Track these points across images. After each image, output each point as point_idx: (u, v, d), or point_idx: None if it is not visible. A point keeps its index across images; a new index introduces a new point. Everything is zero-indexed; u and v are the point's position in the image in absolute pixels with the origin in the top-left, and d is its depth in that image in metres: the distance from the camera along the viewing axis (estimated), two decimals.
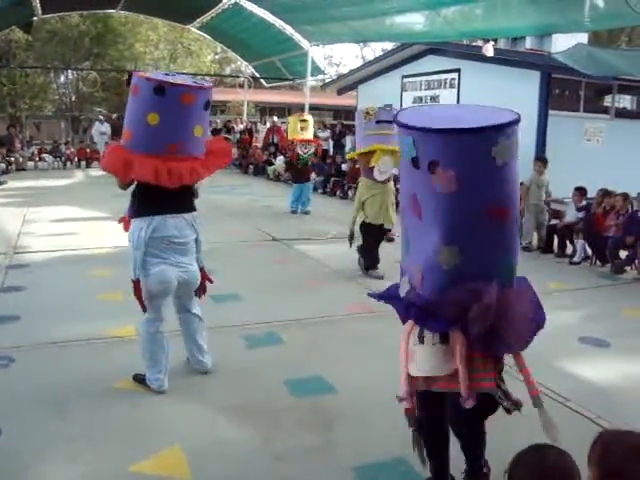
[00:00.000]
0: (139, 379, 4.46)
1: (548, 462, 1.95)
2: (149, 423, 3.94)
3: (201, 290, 4.72)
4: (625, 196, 9.07)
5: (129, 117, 4.16)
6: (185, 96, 4.00)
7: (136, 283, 4.22)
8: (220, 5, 20.03)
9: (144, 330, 4.38)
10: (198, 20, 22.43)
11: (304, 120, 13.26)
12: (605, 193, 9.40)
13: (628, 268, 8.52)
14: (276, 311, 6.18)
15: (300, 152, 13.01)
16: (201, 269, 4.62)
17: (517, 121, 2.43)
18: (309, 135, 13.27)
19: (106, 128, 22.74)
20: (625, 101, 17.15)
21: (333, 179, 16.60)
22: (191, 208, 4.39)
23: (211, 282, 4.77)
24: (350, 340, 5.55)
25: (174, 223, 4.21)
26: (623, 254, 8.58)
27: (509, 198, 2.49)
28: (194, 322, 4.67)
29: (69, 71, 29.50)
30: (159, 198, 4.13)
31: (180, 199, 4.28)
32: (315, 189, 16.39)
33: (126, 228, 4.33)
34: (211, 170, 4.35)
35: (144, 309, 4.32)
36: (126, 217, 4.35)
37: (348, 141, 20.41)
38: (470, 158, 2.39)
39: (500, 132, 2.41)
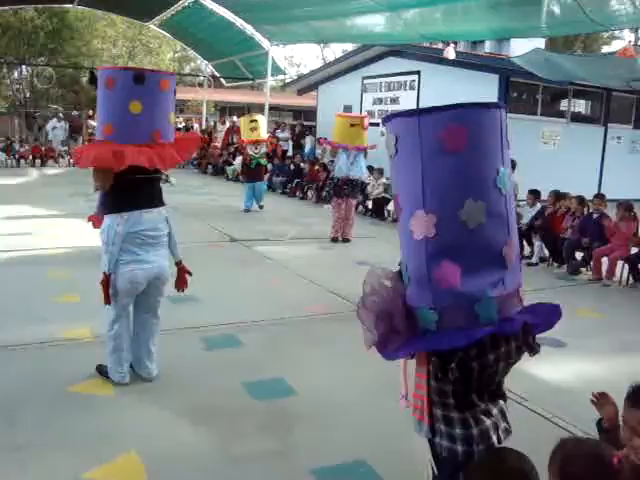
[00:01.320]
0: (102, 370, 4.45)
1: (506, 465, 1.95)
2: (104, 428, 3.84)
3: (182, 283, 4.71)
4: (581, 199, 9.25)
5: (107, 111, 4.15)
6: (163, 82, 4.15)
7: (108, 277, 4.19)
8: (180, 2, 19.83)
9: (109, 325, 4.36)
10: (157, 17, 22.17)
11: (254, 120, 13.24)
12: (557, 195, 9.58)
13: (583, 270, 8.70)
14: (235, 313, 6.12)
15: (251, 152, 13.06)
16: (179, 262, 4.64)
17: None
18: (261, 135, 13.24)
19: (62, 126, 22.28)
20: (580, 106, 17.54)
21: (295, 180, 16.57)
22: (162, 202, 4.42)
23: (190, 274, 4.72)
24: (310, 341, 5.53)
25: (149, 217, 4.24)
26: (579, 255, 8.76)
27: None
28: (153, 325, 4.60)
29: (23, 66, 28.86)
30: (134, 193, 4.17)
31: (153, 194, 4.33)
32: (274, 189, 16.37)
33: (96, 225, 4.32)
34: (185, 155, 4.49)
35: (107, 302, 4.25)
36: (94, 215, 4.33)
37: (308, 141, 20.43)
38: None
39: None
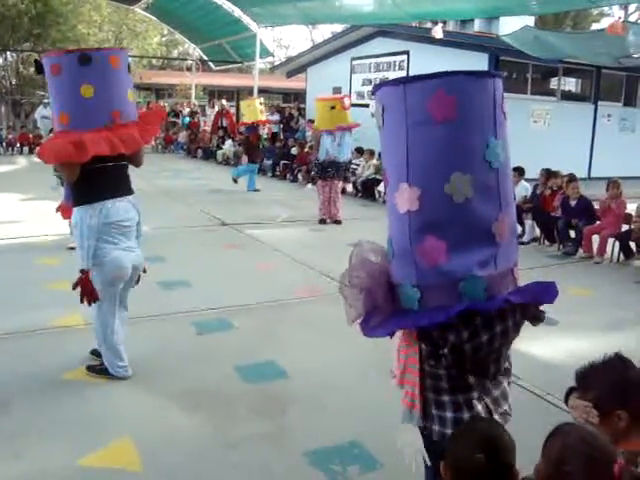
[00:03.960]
0: (98, 370, 4.34)
1: (478, 431, 1.95)
2: (98, 414, 3.83)
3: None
4: (571, 177, 9.25)
5: (59, 100, 3.96)
6: (113, 59, 3.93)
7: (86, 274, 4.03)
8: None
9: (102, 321, 4.22)
10: (143, 1, 21.91)
11: (262, 103, 13.94)
12: (549, 173, 9.57)
13: (580, 251, 8.68)
14: (226, 297, 6.10)
15: (261, 133, 13.96)
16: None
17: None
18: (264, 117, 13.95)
19: (49, 112, 22.07)
20: (570, 84, 17.50)
21: (282, 162, 16.52)
22: (132, 190, 4.29)
23: (144, 272, 4.58)
24: (301, 324, 5.53)
25: (122, 206, 4.11)
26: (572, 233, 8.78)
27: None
28: (124, 321, 4.46)
29: (8, 53, 28.50)
30: (102, 183, 4.00)
31: (122, 181, 4.19)
32: (265, 172, 16.35)
33: (66, 215, 4.15)
34: (148, 136, 4.27)
35: (94, 299, 4.09)
36: (64, 204, 4.17)
37: (307, 128, 19.81)
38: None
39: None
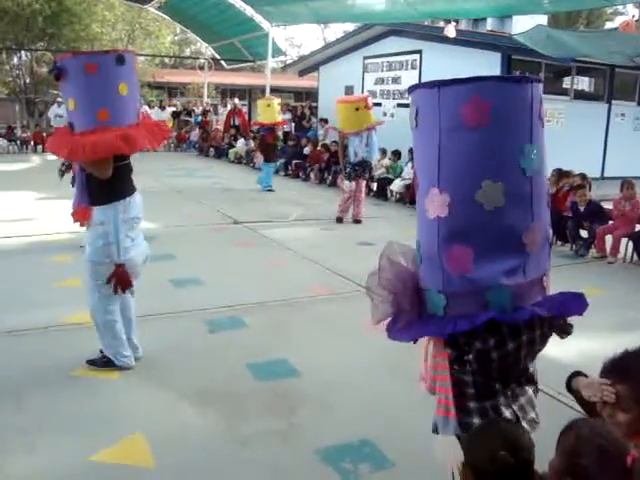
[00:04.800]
0: (101, 363, 4.41)
1: (498, 431, 1.93)
2: (109, 411, 3.86)
3: None
4: (583, 176, 9.20)
5: (96, 97, 4.02)
6: (135, 61, 4.25)
7: (121, 266, 4.19)
8: None
9: (105, 312, 4.33)
10: (156, 0, 21.96)
11: (279, 103, 14.11)
12: (561, 173, 9.52)
13: (593, 251, 8.63)
14: (238, 295, 6.12)
15: (278, 134, 14.18)
16: None
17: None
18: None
19: (64, 111, 22.16)
20: (583, 83, 17.36)
21: (295, 161, 16.53)
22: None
23: None
24: (313, 323, 5.53)
25: (137, 202, 4.31)
26: (583, 233, 8.72)
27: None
28: (133, 304, 4.62)
29: (22, 52, 28.66)
30: (125, 179, 4.22)
31: (131, 178, 4.37)
32: (277, 171, 16.39)
33: (85, 217, 4.23)
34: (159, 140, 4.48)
35: (125, 290, 4.29)
36: (82, 207, 4.25)
37: (319, 127, 19.76)
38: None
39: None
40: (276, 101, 13.94)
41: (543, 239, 2.22)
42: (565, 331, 2.36)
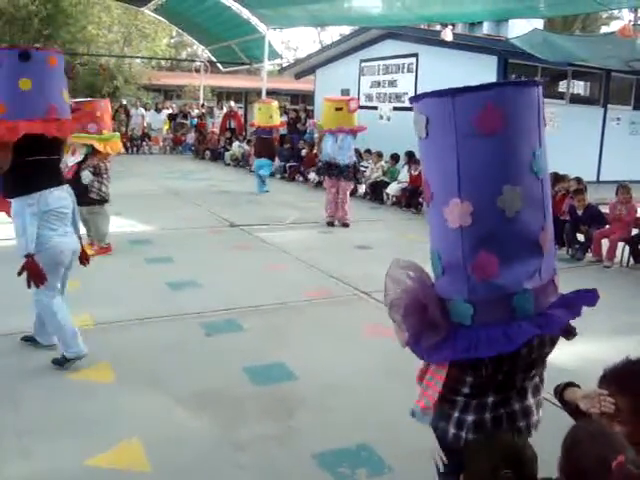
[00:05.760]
0: (59, 362, 4.44)
1: (501, 441, 1.91)
2: (105, 415, 3.84)
3: (85, 258, 4.73)
4: (578, 180, 9.23)
5: None
6: (51, 59, 4.22)
7: (31, 257, 4.19)
8: None
9: (47, 305, 4.41)
10: (152, 2, 21.94)
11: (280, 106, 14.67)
12: (557, 177, 9.54)
13: (589, 255, 8.64)
14: (235, 298, 6.11)
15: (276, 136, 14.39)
16: (80, 237, 4.71)
17: (416, 98, 2.28)
18: None
19: None
20: (579, 87, 17.43)
21: (289, 164, 16.56)
22: (64, 182, 4.54)
23: (87, 257, 4.76)
24: (310, 326, 5.52)
25: (58, 194, 4.34)
26: (580, 237, 8.74)
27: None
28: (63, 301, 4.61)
29: None
30: (38, 174, 4.23)
31: (56, 173, 4.44)
32: (273, 174, 16.39)
33: (4, 208, 4.37)
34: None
35: (42, 281, 4.25)
36: (2, 199, 4.35)
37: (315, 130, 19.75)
38: None
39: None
40: (275, 103, 14.09)
41: (552, 239, 2.25)
42: (570, 333, 2.35)
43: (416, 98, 2.28)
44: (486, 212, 2.11)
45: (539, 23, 16.15)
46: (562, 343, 3.70)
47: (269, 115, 13.71)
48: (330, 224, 10.26)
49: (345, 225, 10.25)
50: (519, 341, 2.04)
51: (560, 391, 2.27)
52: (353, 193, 11.56)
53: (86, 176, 7.29)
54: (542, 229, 2.17)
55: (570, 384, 2.27)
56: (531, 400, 2.34)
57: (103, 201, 7.61)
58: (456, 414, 2.26)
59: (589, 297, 2.30)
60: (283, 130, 20.13)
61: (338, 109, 10.04)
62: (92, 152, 7.34)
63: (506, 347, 2.05)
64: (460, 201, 2.13)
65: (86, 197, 7.20)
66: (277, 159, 15.51)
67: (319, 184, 14.88)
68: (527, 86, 2.18)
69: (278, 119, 14.20)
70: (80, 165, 7.35)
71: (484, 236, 2.12)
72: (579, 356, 4.81)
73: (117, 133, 8.24)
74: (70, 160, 7.31)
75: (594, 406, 2.01)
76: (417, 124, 2.28)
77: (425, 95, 2.23)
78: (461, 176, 2.13)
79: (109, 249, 7.68)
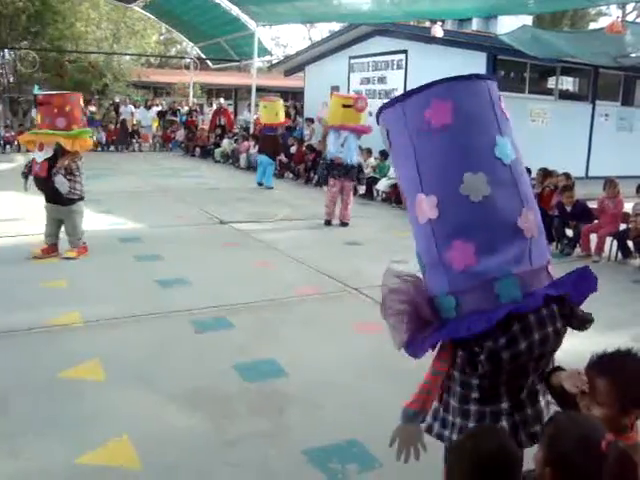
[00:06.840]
0: None
1: (484, 445, 1.86)
2: (95, 413, 3.82)
3: None
4: (567, 175, 9.27)
5: None
6: None
7: None
8: None
9: None
10: None
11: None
12: (545, 173, 9.58)
13: (578, 250, 8.67)
14: (225, 295, 6.10)
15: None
16: None
17: (377, 113, 2.37)
18: None
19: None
20: (568, 83, 17.50)
21: (279, 160, 16.54)
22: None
23: None
24: (300, 322, 5.52)
25: None
26: (568, 232, 8.78)
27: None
28: None
29: (5, 51, 28.41)
30: None
31: None
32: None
33: None
34: None
35: None
36: None
37: (305, 127, 19.68)
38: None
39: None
40: (280, 101, 14.77)
41: (539, 227, 2.25)
42: (586, 320, 2.35)
43: (378, 114, 2.37)
44: (451, 202, 2.15)
45: (528, 20, 16.20)
46: None
47: (275, 113, 14.00)
48: (327, 223, 10.04)
49: (344, 224, 10.04)
50: (494, 319, 2.05)
51: (547, 375, 2.28)
52: (354, 193, 11.49)
53: (61, 183, 7.01)
54: (520, 214, 2.17)
55: (558, 368, 2.28)
56: (542, 403, 2.33)
57: (81, 198, 7.39)
58: (463, 422, 2.26)
59: (587, 279, 2.33)
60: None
61: (345, 106, 9.76)
62: (61, 152, 7.04)
63: (479, 326, 2.06)
64: (425, 195, 2.19)
65: (64, 196, 7.08)
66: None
67: (308, 181, 14.91)
68: (471, 79, 2.24)
69: (283, 116, 14.58)
70: (50, 162, 7.05)
71: (455, 226, 2.15)
72: (567, 350, 4.79)
73: (88, 128, 7.91)
74: (38, 156, 7.08)
75: (575, 385, 2.03)
76: (383, 138, 2.39)
77: (383, 107, 2.34)
78: (421, 172, 2.20)
79: (87, 248, 7.51)
